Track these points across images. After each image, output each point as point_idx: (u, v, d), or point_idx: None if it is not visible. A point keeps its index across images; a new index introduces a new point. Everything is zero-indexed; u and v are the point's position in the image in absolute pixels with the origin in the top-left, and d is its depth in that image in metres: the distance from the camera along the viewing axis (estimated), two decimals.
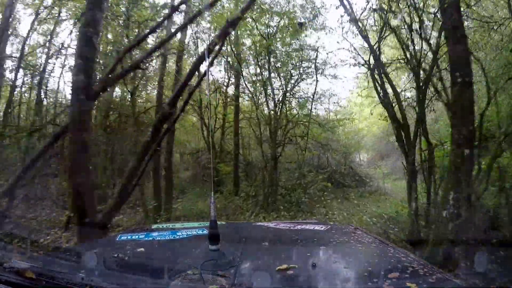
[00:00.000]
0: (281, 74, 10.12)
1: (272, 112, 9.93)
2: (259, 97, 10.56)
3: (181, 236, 1.85)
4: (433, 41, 5.72)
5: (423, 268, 1.25)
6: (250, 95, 10.73)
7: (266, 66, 9.73)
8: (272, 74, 9.96)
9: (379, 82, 6.53)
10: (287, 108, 10.52)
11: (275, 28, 9.54)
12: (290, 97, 10.67)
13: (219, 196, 9.53)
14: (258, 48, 9.51)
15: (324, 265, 1.32)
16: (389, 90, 6.59)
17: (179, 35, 8.86)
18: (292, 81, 10.24)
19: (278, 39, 9.75)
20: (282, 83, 10.21)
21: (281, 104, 10.06)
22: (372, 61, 6.56)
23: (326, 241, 1.77)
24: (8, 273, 1.02)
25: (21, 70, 9.60)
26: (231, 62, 10.71)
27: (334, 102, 12.34)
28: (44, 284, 1.00)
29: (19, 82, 9.93)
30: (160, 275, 1.13)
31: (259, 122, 10.19)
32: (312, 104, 10.52)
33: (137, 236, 1.83)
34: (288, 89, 10.21)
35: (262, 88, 10.04)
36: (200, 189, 10.83)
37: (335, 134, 11.92)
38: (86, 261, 1.26)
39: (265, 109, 10.32)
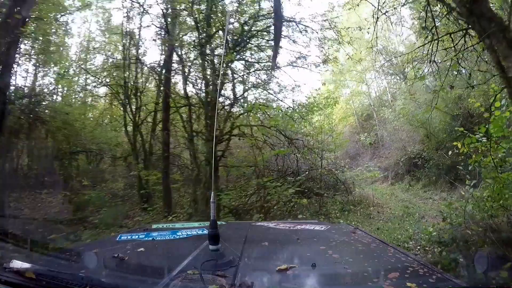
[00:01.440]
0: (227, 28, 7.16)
1: (211, 87, 6.91)
2: (195, 66, 7.43)
3: (181, 236, 1.85)
4: None
5: (423, 268, 1.25)
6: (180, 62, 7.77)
7: (205, 21, 7.05)
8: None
9: None
10: (235, 83, 7.51)
11: None
12: (245, 69, 7.55)
13: (146, 217, 6.65)
14: None
15: (324, 265, 1.32)
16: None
17: None
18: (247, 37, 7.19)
19: None
20: (229, 38, 7.06)
21: (221, 75, 6.87)
22: None
23: (326, 241, 1.77)
24: (8, 273, 1.02)
25: None
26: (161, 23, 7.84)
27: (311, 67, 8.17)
28: (44, 284, 1.00)
29: None
30: (160, 275, 1.13)
31: (188, 104, 7.15)
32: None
33: (137, 236, 1.83)
34: (243, 39, 7.06)
35: (197, 54, 7.15)
36: (115, 207, 7.50)
37: (306, 125, 9.22)
38: (86, 261, 1.26)
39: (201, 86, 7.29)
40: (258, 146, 7.70)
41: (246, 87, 7.95)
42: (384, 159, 14.71)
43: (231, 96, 7.72)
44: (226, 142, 7.41)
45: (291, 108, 7.96)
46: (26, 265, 1.06)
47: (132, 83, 8.60)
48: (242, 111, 7.69)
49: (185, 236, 1.87)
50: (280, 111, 7.83)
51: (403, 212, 7.41)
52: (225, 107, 7.46)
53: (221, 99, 7.52)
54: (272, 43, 7.74)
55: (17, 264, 1.06)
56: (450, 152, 5.93)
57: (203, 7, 7.13)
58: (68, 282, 1.00)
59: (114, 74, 8.97)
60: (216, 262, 1.23)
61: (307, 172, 8.65)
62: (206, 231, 1.61)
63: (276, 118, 7.66)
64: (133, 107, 8.69)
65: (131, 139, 8.53)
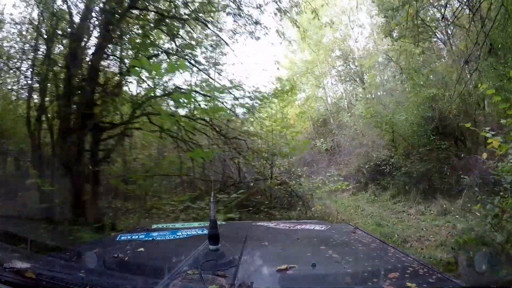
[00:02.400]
0: None
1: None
2: None
3: (181, 236, 1.85)
4: None
5: (423, 268, 1.25)
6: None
7: None
8: None
9: None
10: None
11: None
12: None
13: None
14: None
15: (324, 265, 1.32)
16: None
17: None
18: None
19: None
20: None
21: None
22: None
23: (326, 241, 1.77)
24: (8, 273, 1.02)
25: None
26: None
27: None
28: (44, 284, 1.00)
29: None
30: (160, 275, 1.13)
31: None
32: None
33: (137, 236, 1.83)
34: None
35: None
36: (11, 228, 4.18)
37: (252, 120, 7.23)
38: (86, 261, 1.26)
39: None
40: (184, 149, 5.59)
41: (158, 51, 5.57)
42: (343, 166, 13.24)
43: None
44: (116, 138, 5.28)
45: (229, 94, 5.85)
46: (26, 265, 1.06)
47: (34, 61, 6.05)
48: (159, 93, 5.35)
49: (185, 236, 1.87)
50: (215, 96, 5.51)
51: (378, 233, 6.05)
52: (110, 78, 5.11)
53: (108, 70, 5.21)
54: None
55: (17, 264, 1.06)
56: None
57: None
58: (68, 282, 1.00)
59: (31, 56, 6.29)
60: (216, 262, 1.23)
61: (252, 184, 6.66)
62: (206, 231, 1.62)
63: (210, 110, 5.44)
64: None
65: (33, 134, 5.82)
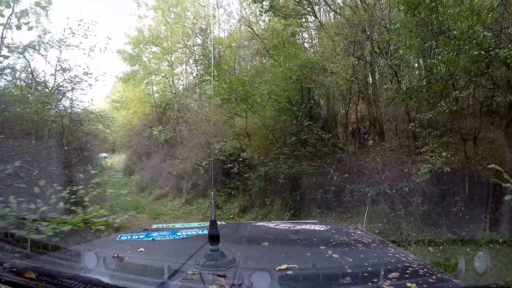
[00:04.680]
0: None
1: None
2: None
3: (181, 236, 1.85)
4: None
5: (423, 268, 1.25)
6: None
7: None
8: None
9: None
10: None
11: None
12: None
13: None
14: None
15: (324, 265, 1.32)
16: None
17: None
18: None
19: None
20: None
21: None
22: None
23: (326, 241, 1.77)
24: (8, 273, 1.02)
25: None
26: None
27: None
28: (44, 284, 1.00)
29: None
30: (160, 275, 1.13)
31: None
32: None
33: (137, 236, 1.83)
34: None
35: None
36: None
37: None
38: (86, 261, 1.26)
39: None
40: None
41: None
42: (180, 162, 9.96)
43: None
44: None
45: None
46: (26, 265, 1.06)
47: None
48: None
49: (185, 236, 1.87)
50: None
51: None
52: None
53: None
54: None
55: (17, 264, 1.06)
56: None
57: None
58: (68, 282, 1.00)
59: None
60: (216, 262, 1.23)
61: None
62: (206, 231, 1.62)
63: None
64: None
65: None
